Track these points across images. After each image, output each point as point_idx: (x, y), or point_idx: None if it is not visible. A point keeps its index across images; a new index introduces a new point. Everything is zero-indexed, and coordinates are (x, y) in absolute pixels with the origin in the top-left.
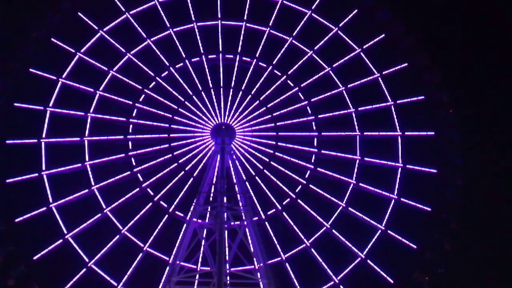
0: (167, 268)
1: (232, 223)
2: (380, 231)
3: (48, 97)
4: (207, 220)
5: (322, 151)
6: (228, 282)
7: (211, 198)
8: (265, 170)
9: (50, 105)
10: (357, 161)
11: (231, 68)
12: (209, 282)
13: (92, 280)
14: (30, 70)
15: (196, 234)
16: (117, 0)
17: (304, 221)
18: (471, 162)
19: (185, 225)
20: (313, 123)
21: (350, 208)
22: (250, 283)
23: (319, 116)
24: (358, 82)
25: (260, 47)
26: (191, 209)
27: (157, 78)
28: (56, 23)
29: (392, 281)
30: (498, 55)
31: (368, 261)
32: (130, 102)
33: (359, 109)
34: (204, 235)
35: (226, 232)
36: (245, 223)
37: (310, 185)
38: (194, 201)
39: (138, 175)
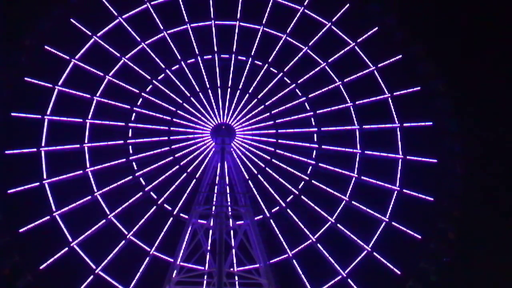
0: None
1: (232, 223)
2: (384, 223)
3: (45, 105)
4: (207, 220)
5: (323, 146)
6: (237, 282)
7: (214, 198)
8: (267, 168)
9: (48, 113)
10: (358, 154)
11: (227, 67)
12: (209, 282)
13: (100, 287)
14: (26, 78)
15: (196, 234)
16: (109, 5)
17: (308, 217)
18: (470, 150)
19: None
20: (312, 118)
21: (353, 202)
22: (250, 283)
23: (318, 111)
24: (354, 76)
25: (255, 45)
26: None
27: (153, 81)
28: (48, 30)
29: (399, 272)
30: (494, 42)
31: (374, 253)
32: (128, 106)
33: (356, 102)
34: (209, 236)
35: (231, 232)
36: (246, 222)
37: (313, 181)
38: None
39: (140, 179)
